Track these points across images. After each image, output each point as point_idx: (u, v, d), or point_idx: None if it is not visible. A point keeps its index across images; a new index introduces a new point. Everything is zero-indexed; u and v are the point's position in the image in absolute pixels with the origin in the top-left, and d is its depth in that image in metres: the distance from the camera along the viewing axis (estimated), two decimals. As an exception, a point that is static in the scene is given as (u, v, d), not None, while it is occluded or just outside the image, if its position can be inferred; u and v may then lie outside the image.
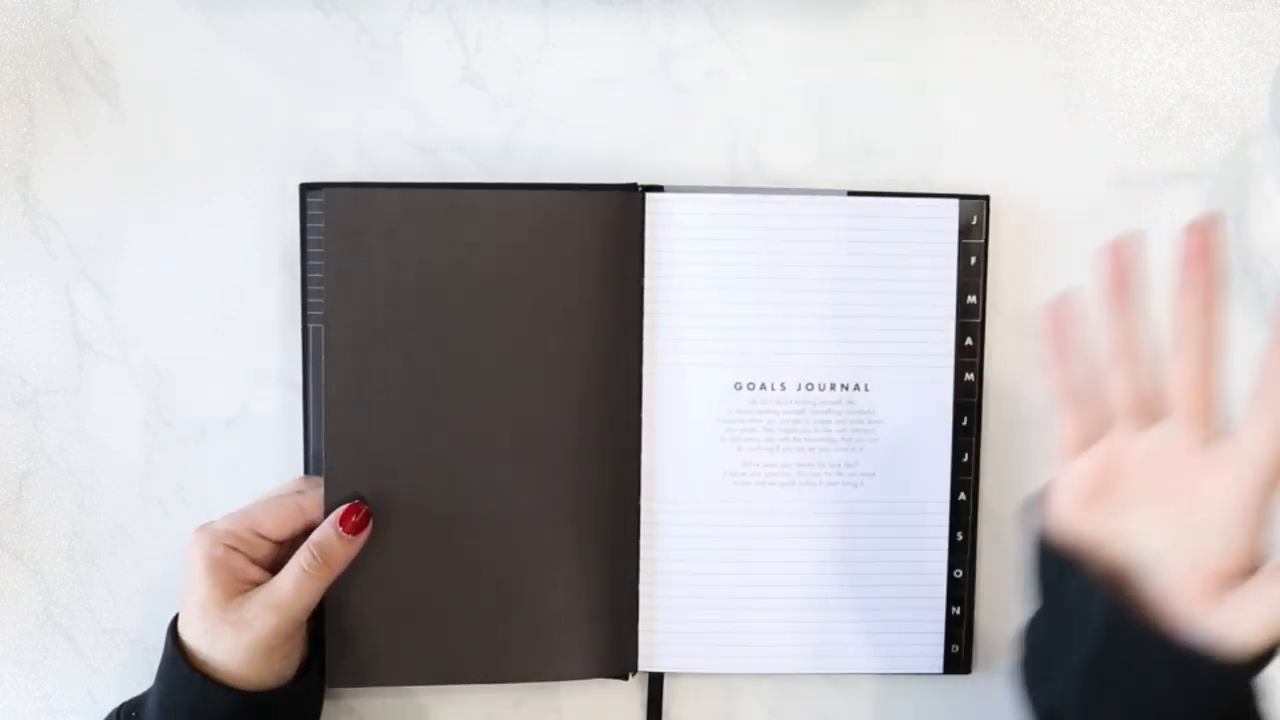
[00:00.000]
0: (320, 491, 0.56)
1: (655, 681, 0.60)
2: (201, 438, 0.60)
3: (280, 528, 0.54)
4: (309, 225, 0.58)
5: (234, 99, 0.59)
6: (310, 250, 0.58)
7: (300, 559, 0.53)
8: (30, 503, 0.60)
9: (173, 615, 0.54)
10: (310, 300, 0.58)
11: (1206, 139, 0.60)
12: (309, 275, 0.58)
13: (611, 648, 0.58)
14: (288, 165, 0.59)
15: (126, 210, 0.59)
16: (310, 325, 0.58)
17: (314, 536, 0.54)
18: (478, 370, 0.56)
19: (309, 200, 0.57)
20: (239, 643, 0.51)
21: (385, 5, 0.59)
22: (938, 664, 0.60)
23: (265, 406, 0.60)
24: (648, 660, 0.59)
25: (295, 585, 0.52)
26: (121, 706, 0.55)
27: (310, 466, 0.59)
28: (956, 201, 0.58)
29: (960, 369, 0.58)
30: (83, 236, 0.59)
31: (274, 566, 0.54)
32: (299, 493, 0.56)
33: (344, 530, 0.54)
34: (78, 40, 0.59)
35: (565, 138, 0.59)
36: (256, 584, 0.53)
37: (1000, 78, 0.59)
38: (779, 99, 0.59)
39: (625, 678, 0.59)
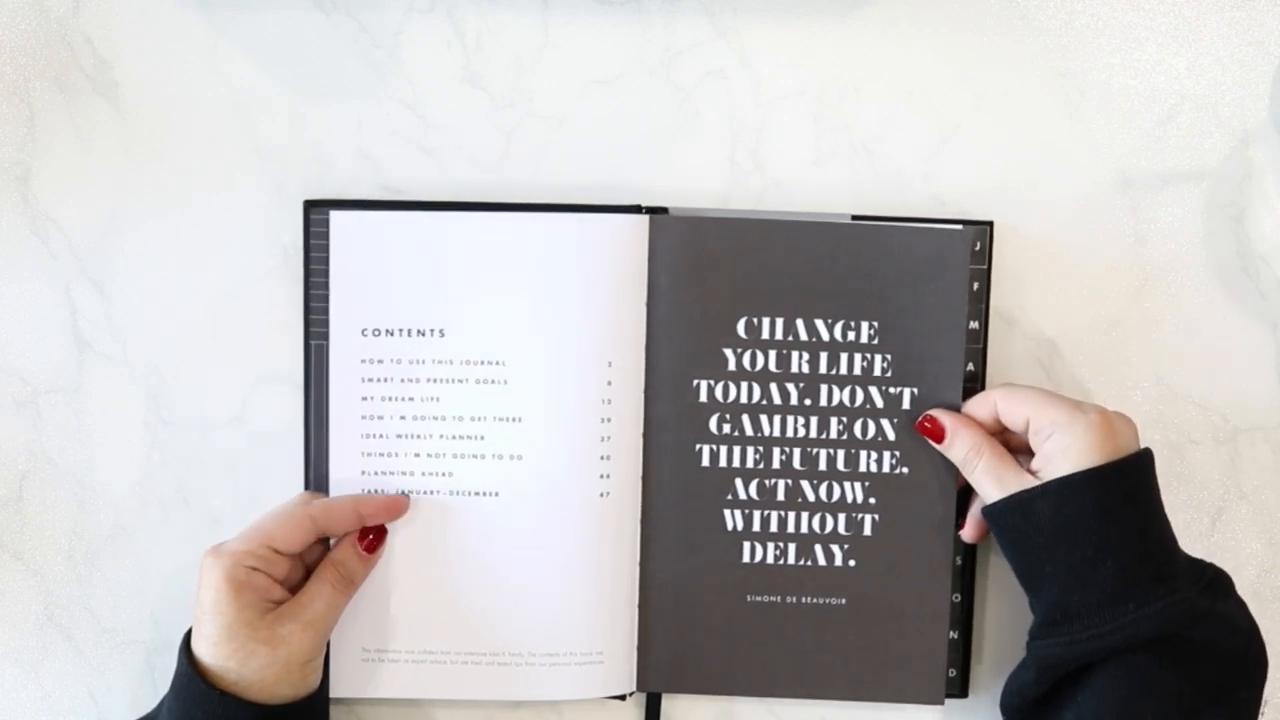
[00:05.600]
0: (327, 502, 0.56)
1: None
2: (201, 438, 0.60)
3: (292, 541, 0.54)
4: (312, 242, 0.58)
5: (234, 99, 0.59)
6: (313, 267, 0.58)
7: (327, 576, 0.55)
8: (30, 503, 0.60)
9: (184, 633, 0.54)
10: (313, 317, 0.58)
11: (1206, 139, 0.60)
12: (311, 292, 0.58)
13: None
14: (287, 165, 0.59)
15: (126, 210, 0.59)
16: (313, 342, 0.58)
17: (334, 554, 0.56)
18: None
19: (313, 216, 0.57)
20: (275, 659, 0.52)
21: (385, 5, 0.59)
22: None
23: (265, 406, 0.59)
24: (643, 681, 0.59)
25: (327, 602, 0.54)
26: None
27: (311, 483, 0.59)
28: (963, 228, 0.57)
29: (965, 394, 0.57)
30: (83, 236, 0.59)
31: (287, 580, 0.55)
32: (305, 503, 0.56)
33: (362, 549, 0.56)
34: (78, 40, 0.59)
35: (565, 138, 0.59)
36: (278, 602, 0.54)
37: (1000, 78, 0.59)
38: (779, 99, 0.59)
39: (623, 698, 0.59)
